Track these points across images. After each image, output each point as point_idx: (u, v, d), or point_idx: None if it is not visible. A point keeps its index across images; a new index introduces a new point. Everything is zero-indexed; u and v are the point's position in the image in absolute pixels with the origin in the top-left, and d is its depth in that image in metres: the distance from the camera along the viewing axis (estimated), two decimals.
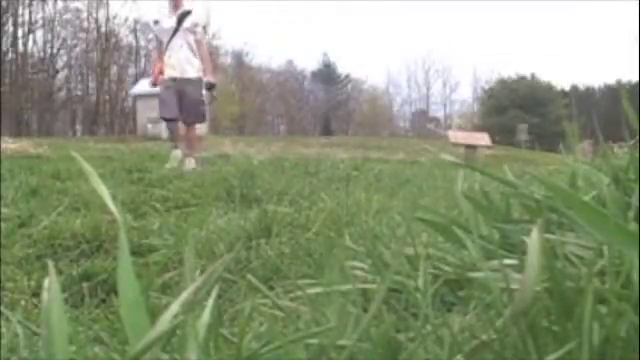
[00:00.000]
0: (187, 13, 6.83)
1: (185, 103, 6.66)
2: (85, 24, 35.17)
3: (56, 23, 34.70)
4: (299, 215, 2.05)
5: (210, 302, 0.63)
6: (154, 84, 6.89)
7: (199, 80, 6.76)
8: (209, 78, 6.82)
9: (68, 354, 0.54)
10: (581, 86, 46.55)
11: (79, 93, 37.27)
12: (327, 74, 48.55)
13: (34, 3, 33.74)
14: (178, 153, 6.55)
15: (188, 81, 6.68)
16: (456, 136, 12.95)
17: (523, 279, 0.55)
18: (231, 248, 1.64)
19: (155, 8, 7.01)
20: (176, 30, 6.80)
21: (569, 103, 37.09)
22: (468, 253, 0.80)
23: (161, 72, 6.74)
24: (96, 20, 34.47)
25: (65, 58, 36.04)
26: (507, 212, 0.87)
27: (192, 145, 6.78)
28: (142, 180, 3.59)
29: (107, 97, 35.76)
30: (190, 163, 6.30)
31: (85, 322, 0.85)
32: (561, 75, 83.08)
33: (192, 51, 6.85)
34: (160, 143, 14.70)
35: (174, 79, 6.70)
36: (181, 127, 6.82)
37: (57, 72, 35.72)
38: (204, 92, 6.94)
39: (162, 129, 22.44)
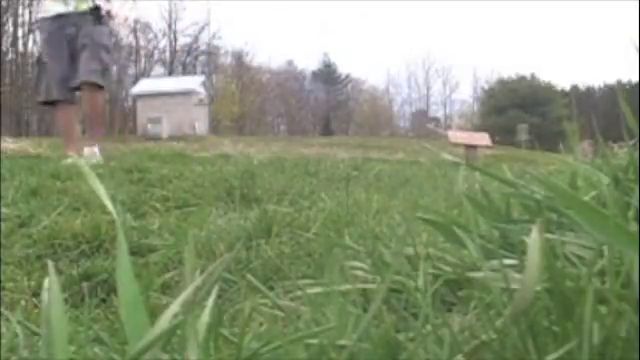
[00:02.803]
0: None
1: (79, 49, 4.17)
2: None
3: None
4: (299, 215, 2.05)
5: (210, 302, 0.63)
6: None
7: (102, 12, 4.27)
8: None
9: (68, 354, 0.54)
10: (581, 86, 46.62)
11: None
12: (327, 74, 48.59)
13: (34, 3, 33.71)
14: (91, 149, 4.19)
15: (84, 16, 4.19)
16: (456, 136, 12.95)
17: (523, 279, 0.55)
18: (231, 248, 1.64)
19: None
20: None
21: (569, 103, 37.10)
22: (468, 253, 0.80)
23: None
24: None
25: None
26: (507, 212, 0.87)
27: (95, 119, 4.37)
28: (142, 180, 3.59)
29: (107, 97, 35.72)
30: (91, 153, 4.07)
31: (85, 322, 0.85)
32: (561, 75, 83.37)
33: None
34: (161, 143, 14.71)
35: (60, 17, 4.16)
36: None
37: None
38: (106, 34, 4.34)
39: (162, 129, 22.54)
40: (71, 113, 4.43)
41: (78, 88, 4.37)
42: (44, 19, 4.32)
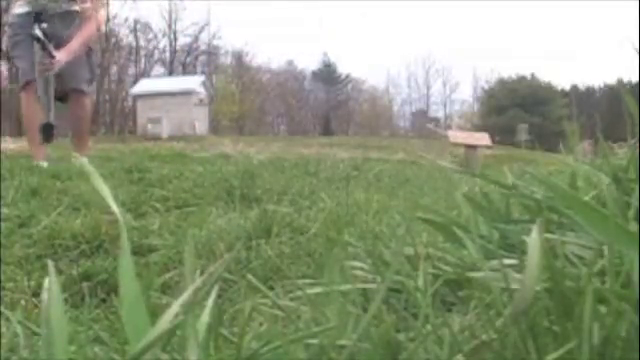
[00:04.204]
0: None
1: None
2: None
3: None
4: (299, 215, 2.05)
5: (210, 302, 0.63)
6: None
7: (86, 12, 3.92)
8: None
9: (68, 354, 0.54)
10: (581, 86, 46.64)
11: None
12: (327, 74, 48.58)
13: None
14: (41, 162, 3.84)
15: (61, 16, 3.89)
16: (456, 136, 12.93)
17: (523, 279, 0.55)
18: (231, 248, 1.64)
19: None
20: None
21: (569, 103, 37.12)
22: (468, 253, 0.80)
23: None
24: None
25: None
26: (507, 212, 0.87)
27: (82, 130, 4.21)
28: (142, 180, 3.59)
29: (107, 97, 35.72)
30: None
31: (85, 322, 0.85)
32: (561, 75, 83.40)
33: None
34: (161, 143, 14.71)
35: (30, 15, 3.79)
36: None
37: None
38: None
39: (162, 129, 22.54)
40: (77, 104, 4.24)
41: (62, 97, 4.23)
42: (14, 15, 4.12)
